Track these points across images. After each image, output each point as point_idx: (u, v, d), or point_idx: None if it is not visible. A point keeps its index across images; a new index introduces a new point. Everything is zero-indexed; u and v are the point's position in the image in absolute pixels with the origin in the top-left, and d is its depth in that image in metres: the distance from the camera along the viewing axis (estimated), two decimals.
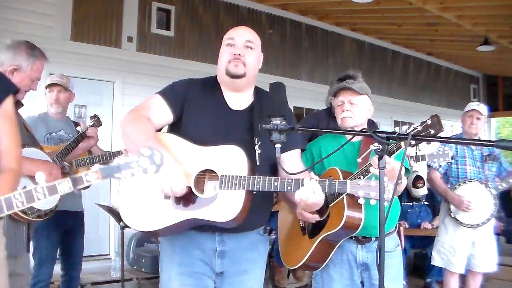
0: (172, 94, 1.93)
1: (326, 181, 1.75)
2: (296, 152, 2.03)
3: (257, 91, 2.03)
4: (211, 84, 2.00)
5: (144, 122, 1.83)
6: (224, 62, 1.93)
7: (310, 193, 1.72)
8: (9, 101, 1.70)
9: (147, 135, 1.78)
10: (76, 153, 2.97)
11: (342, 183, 1.75)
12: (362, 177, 2.07)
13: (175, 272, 1.90)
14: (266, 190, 1.75)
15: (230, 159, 1.77)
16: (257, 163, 1.85)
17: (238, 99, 1.98)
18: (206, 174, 1.80)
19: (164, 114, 1.91)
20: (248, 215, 1.77)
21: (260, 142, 1.88)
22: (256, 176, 1.74)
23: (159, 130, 1.93)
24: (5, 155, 1.66)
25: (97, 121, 3.11)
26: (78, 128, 3.03)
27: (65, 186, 1.44)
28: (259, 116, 1.93)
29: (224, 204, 1.74)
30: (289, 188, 1.75)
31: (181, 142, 1.84)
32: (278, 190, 1.77)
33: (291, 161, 1.97)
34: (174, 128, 1.94)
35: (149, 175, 1.49)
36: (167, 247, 1.97)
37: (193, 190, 1.75)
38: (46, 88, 3.33)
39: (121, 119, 1.89)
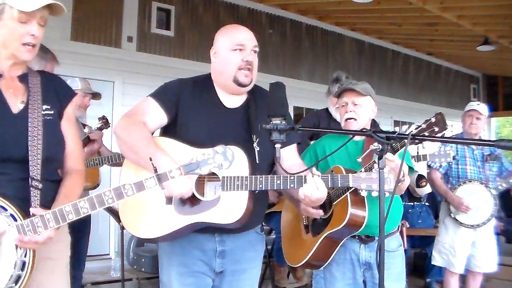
0: (165, 96, 1.89)
1: (328, 176, 1.78)
2: (293, 147, 2.03)
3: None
4: (203, 83, 1.96)
5: (140, 128, 1.80)
6: (233, 67, 1.88)
7: (314, 189, 1.75)
8: (71, 106, 1.80)
9: (146, 140, 1.76)
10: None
11: (344, 177, 1.79)
12: None
13: (175, 272, 1.89)
14: (269, 188, 1.75)
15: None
16: (257, 161, 1.84)
17: (233, 97, 1.95)
18: (205, 177, 1.78)
19: (158, 117, 1.87)
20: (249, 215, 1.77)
21: (258, 139, 1.87)
22: (258, 176, 1.73)
23: (152, 133, 1.90)
24: (72, 156, 1.77)
25: (105, 122, 2.99)
26: (85, 130, 2.96)
27: (151, 182, 1.55)
28: (254, 112, 1.92)
29: (228, 206, 1.73)
30: (292, 185, 1.76)
31: (178, 145, 1.80)
32: (282, 188, 1.77)
33: (288, 156, 1.98)
34: (168, 130, 1.91)
35: (223, 170, 1.60)
36: (166, 247, 1.95)
37: (195, 193, 1.74)
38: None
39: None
